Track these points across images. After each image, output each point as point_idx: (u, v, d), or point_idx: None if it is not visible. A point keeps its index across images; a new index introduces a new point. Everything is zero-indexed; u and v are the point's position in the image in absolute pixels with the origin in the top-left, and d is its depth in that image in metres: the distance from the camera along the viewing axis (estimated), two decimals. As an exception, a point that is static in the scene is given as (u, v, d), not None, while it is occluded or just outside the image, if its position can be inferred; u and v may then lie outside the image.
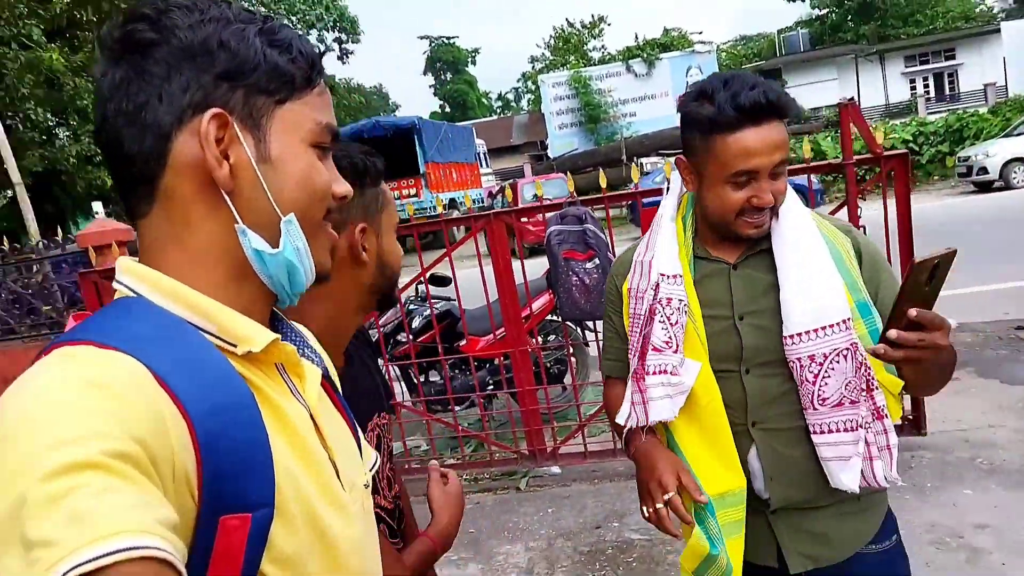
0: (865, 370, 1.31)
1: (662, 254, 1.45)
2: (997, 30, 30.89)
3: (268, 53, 0.71)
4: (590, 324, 4.14)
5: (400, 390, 4.66)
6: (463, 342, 4.54)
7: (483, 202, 20.95)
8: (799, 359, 1.32)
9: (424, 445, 4.61)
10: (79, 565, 0.47)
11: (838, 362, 1.30)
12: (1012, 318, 5.52)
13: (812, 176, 3.61)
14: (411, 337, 4.46)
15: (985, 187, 14.55)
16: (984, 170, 14.44)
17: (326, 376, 0.86)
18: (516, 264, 3.98)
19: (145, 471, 0.54)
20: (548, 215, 3.98)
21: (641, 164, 18.57)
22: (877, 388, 1.32)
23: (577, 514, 3.61)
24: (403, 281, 4.49)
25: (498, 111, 58.91)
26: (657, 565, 3.06)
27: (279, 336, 0.72)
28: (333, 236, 0.80)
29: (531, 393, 4.12)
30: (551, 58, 34.16)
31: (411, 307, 4.75)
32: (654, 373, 1.41)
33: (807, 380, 1.32)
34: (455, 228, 12.07)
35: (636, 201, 3.97)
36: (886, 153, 3.53)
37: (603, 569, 3.09)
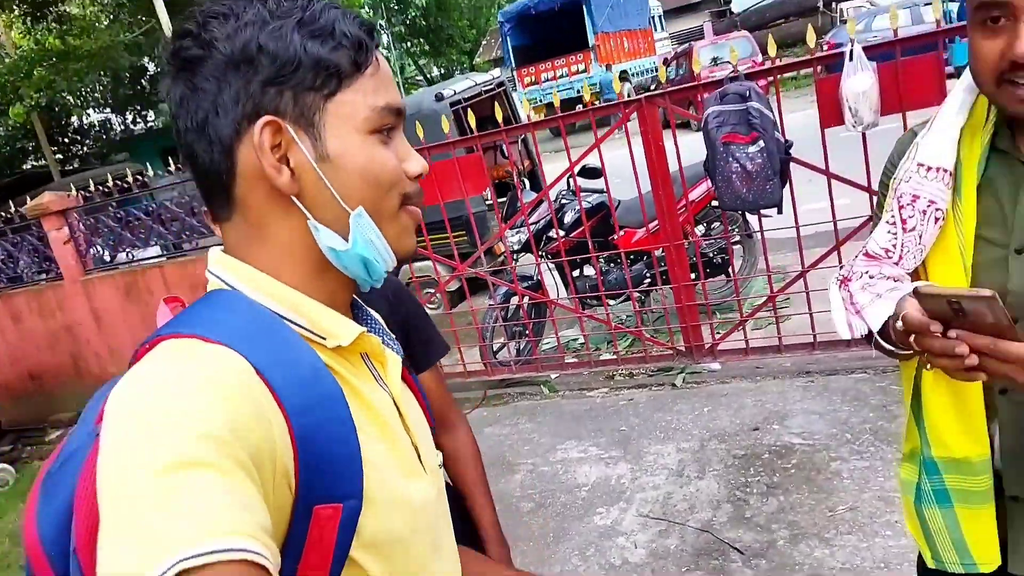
0: None
1: (934, 133, 1.11)
2: None
3: (309, 47, 0.69)
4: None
5: (555, 286, 4.63)
6: (616, 236, 4.37)
7: (655, 71, 19.80)
8: None
9: (580, 339, 4.60)
10: (186, 559, 0.50)
11: None
12: None
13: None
14: (563, 232, 4.37)
15: None
16: None
17: (404, 362, 0.89)
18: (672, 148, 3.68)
19: (249, 471, 0.57)
20: (706, 96, 3.58)
21: (840, 11, 16.36)
22: None
23: (734, 414, 3.46)
24: (552, 175, 4.37)
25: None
26: (818, 473, 2.87)
27: (365, 329, 0.76)
28: (414, 214, 0.78)
29: (688, 287, 3.91)
30: None
31: (562, 201, 4.61)
32: (860, 277, 1.15)
33: None
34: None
35: (813, 69, 3.46)
36: None
37: (758, 475, 2.96)
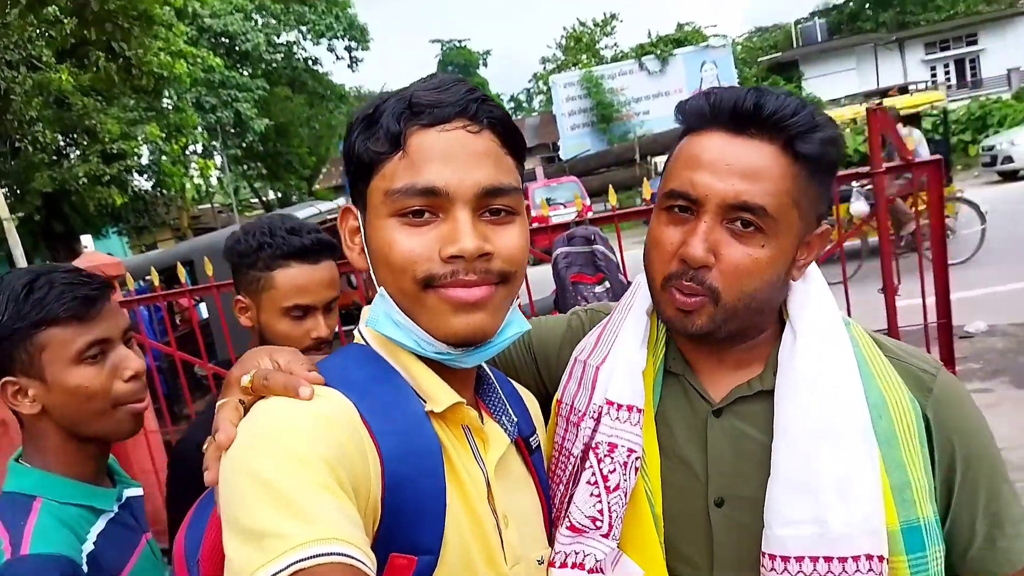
0: None
1: (619, 364, 0.92)
2: (1021, 13, 30.11)
3: (358, 143, 0.77)
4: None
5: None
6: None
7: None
8: None
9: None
10: (303, 559, 0.57)
11: None
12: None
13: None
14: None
15: (1010, 176, 13.97)
16: (1009, 159, 13.88)
17: (525, 442, 0.89)
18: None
19: (350, 494, 0.64)
20: (555, 238, 3.70)
21: (655, 164, 18.26)
22: None
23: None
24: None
25: (510, 113, 58.71)
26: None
27: (463, 401, 0.78)
28: (445, 296, 0.74)
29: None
30: (562, 58, 33.89)
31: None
32: (562, 566, 0.89)
33: None
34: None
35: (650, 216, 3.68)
36: (919, 160, 3.24)
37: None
